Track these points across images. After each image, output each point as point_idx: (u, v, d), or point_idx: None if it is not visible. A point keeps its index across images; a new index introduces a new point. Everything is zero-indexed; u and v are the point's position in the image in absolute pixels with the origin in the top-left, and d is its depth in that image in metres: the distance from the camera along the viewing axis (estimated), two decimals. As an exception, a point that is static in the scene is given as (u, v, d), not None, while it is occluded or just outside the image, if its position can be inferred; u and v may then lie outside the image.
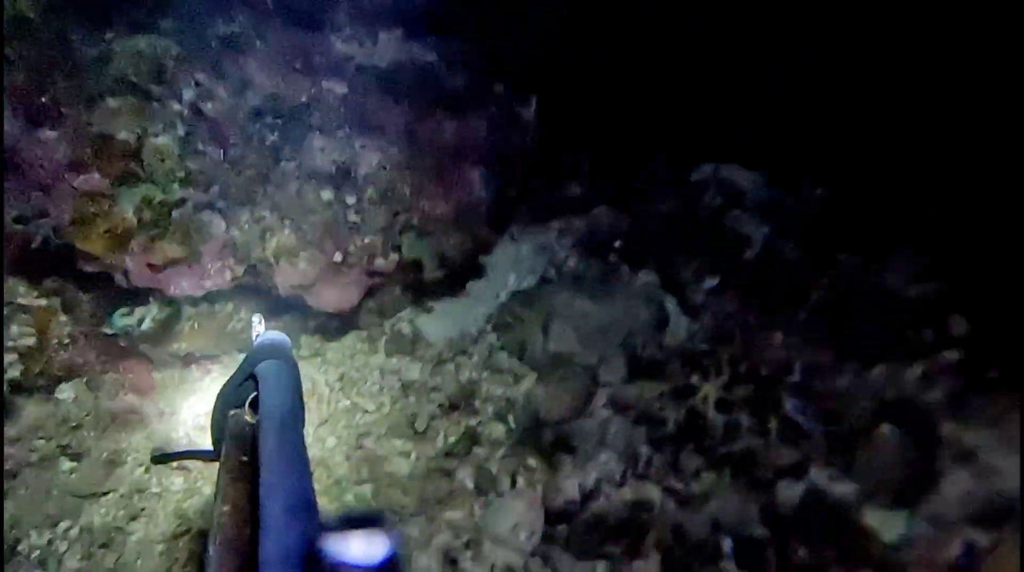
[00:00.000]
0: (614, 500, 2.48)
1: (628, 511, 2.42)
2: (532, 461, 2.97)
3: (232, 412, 1.69)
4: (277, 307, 3.97)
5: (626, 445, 2.85)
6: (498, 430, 3.38)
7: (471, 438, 3.30)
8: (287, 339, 2.28)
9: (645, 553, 2.30)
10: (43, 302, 3.11)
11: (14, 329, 2.58)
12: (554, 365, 3.56)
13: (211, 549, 1.20)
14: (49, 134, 3.23)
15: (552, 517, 2.57)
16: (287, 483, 1.25)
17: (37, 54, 3.28)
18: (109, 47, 3.43)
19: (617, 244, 4.30)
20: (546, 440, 3.10)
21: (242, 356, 4.11)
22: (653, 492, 2.47)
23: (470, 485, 2.95)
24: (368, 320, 4.25)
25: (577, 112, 4.83)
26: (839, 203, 3.48)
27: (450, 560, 2.07)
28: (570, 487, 2.64)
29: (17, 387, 3.32)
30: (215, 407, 1.82)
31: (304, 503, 1.20)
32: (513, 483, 2.94)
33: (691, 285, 3.52)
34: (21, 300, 2.79)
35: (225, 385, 1.88)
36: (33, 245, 3.19)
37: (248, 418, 1.65)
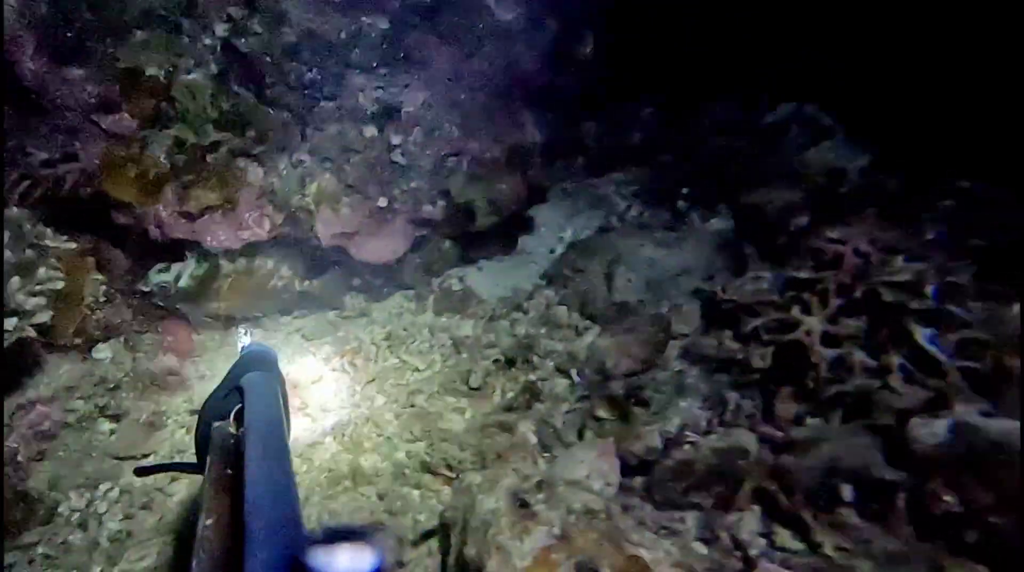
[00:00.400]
0: (700, 448, 2.14)
1: (718, 459, 2.08)
2: (601, 413, 2.65)
3: (216, 424, 1.67)
4: (318, 264, 3.73)
5: (709, 392, 2.51)
6: (560, 385, 3.07)
7: (531, 393, 2.99)
8: (273, 351, 2.28)
9: (741, 503, 1.95)
10: (72, 246, 2.91)
11: (41, 272, 2.37)
12: (620, 316, 3.22)
13: (195, 563, 1.18)
14: (75, 72, 3.02)
15: (630, 467, 2.24)
16: (271, 497, 1.23)
17: (60, -12, 3.08)
18: (136, -20, 3.20)
19: (685, 191, 3.92)
20: (615, 392, 2.77)
21: (283, 318, 3.92)
22: (746, 439, 2.12)
23: (532, 439, 2.65)
24: (415, 278, 3.98)
25: (637, 53, 4.46)
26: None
27: (520, 503, 1.77)
28: (649, 435, 2.31)
29: (51, 344, 3.14)
30: (199, 419, 1.82)
31: (288, 517, 1.19)
32: (580, 436, 2.63)
33: (775, 227, 3.13)
34: (49, 242, 2.57)
35: (210, 397, 1.87)
36: (62, 192, 2.99)
37: (232, 430, 1.65)
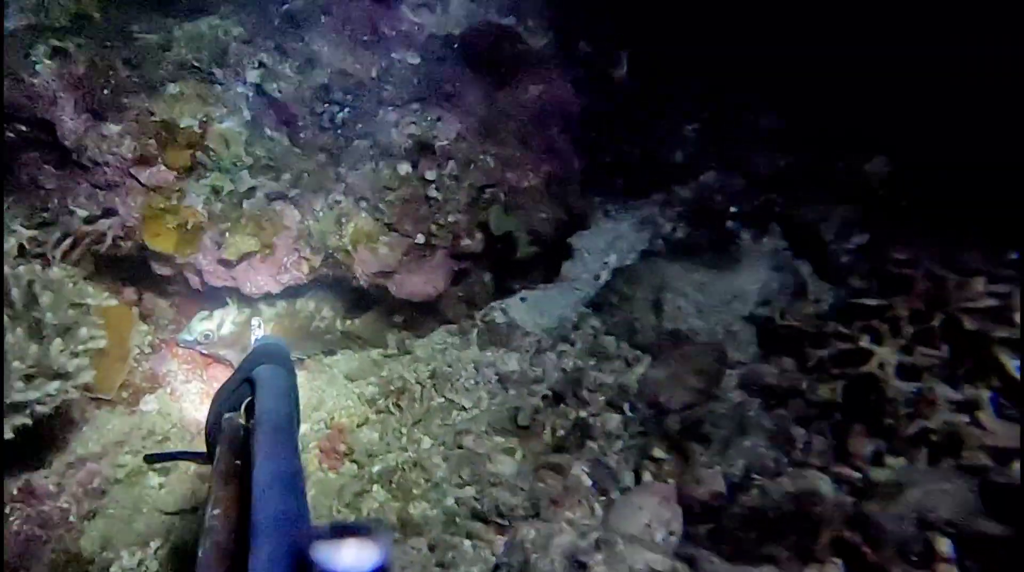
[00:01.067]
0: (770, 492, 1.99)
1: (790, 504, 1.92)
2: (658, 452, 2.51)
3: (227, 415, 1.68)
4: (359, 302, 3.68)
5: (774, 428, 2.35)
6: (613, 421, 2.93)
7: (582, 431, 2.87)
8: (285, 344, 2.26)
9: (821, 555, 1.79)
10: (114, 302, 2.90)
11: (83, 332, 2.35)
12: (672, 345, 3.08)
13: (201, 553, 1.18)
14: (113, 128, 3.05)
15: (694, 514, 2.10)
16: (278, 490, 1.21)
17: (98, 46, 3.12)
18: (170, 33, 3.23)
19: (733, 209, 3.77)
20: (671, 428, 2.63)
21: (326, 358, 3.87)
22: (819, 482, 1.96)
23: (587, 481, 2.52)
24: (457, 311, 3.89)
25: (674, 69, 4.35)
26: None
27: (578, 564, 1.64)
28: (712, 478, 2.16)
29: (98, 399, 3.14)
30: (210, 409, 1.83)
31: (294, 510, 1.17)
32: (638, 477, 2.49)
33: (833, 243, 2.97)
34: (91, 301, 2.56)
35: (221, 388, 1.88)
36: (103, 248, 3.00)
37: (243, 422, 1.65)
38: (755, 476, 2.09)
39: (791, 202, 3.45)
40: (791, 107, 4.20)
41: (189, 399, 3.56)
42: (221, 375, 3.72)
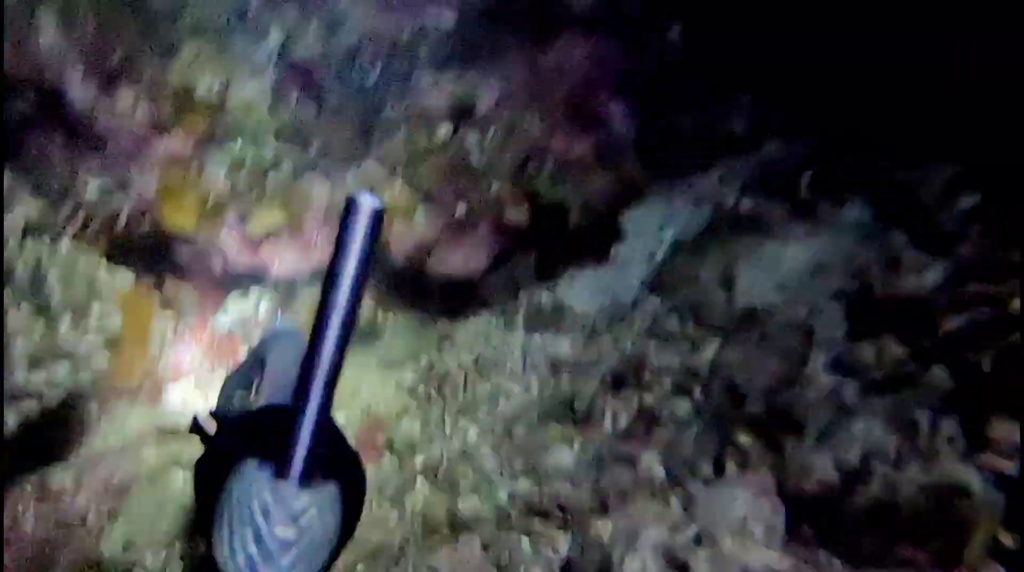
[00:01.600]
0: (899, 484, 1.66)
1: (927, 499, 1.59)
2: (743, 438, 2.18)
3: (238, 392, 1.70)
4: (395, 283, 3.40)
5: (887, 412, 2.01)
6: (682, 406, 2.61)
7: (649, 418, 2.55)
8: (298, 327, 2.20)
9: (973, 560, 1.46)
10: (131, 282, 2.65)
11: (95, 308, 2.09)
12: (746, 324, 2.75)
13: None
14: (126, 95, 2.80)
15: (800, 508, 1.78)
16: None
17: (107, 8, 2.87)
18: (187, -7, 2.98)
19: (806, 178, 3.41)
20: (754, 414, 2.30)
21: (362, 345, 3.61)
22: (963, 472, 1.63)
23: (660, 473, 2.21)
24: (500, 294, 3.60)
25: (732, 30, 3.99)
26: None
27: (675, 563, 1.34)
28: (821, 467, 1.83)
29: (117, 390, 2.90)
30: (222, 388, 1.86)
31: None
32: (719, 468, 2.16)
33: (935, 208, 2.62)
34: (104, 278, 2.31)
35: (233, 369, 1.94)
36: (118, 226, 2.75)
37: (252, 400, 1.64)
38: (877, 465, 1.76)
39: (877, 164, 3.09)
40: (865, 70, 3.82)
41: (215, 389, 3.31)
42: (249, 365, 3.48)
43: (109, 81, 2.80)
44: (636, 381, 2.78)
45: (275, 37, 2.97)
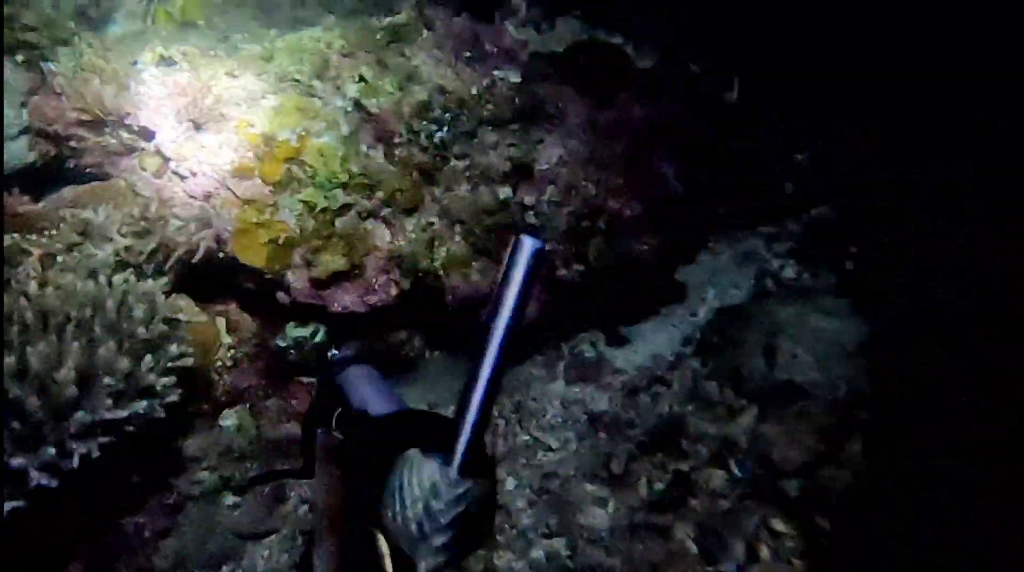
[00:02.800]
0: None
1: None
2: (779, 524, 2.23)
3: (320, 430, 1.72)
4: (446, 327, 3.53)
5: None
6: (717, 477, 2.67)
7: (684, 486, 2.62)
8: (361, 350, 2.34)
9: None
10: (204, 319, 2.84)
11: (173, 349, 2.26)
12: (785, 397, 2.80)
13: (316, 560, 1.25)
14: (211, 138, 3.00)
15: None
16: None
17: (202, 54, 3.09)
18: (272, 44, 3.18)
19: (853, 250, 3.45)
20: (790, 494, 2.36)
21: (406, 385, 3.75)
22: None
23: (693, 548, 2.28)
24: (544, 341, 3.71)
25: (790, 93, 4.06)
26: None
27: None
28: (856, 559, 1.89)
29: (178, 410, 3.07)
30: (303, 428, 1.95)
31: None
32: (752, 552, 2.22)
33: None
34: (182, 316, 2.48)
35: (310, 406, 1.95)
36: (195, 259, 2.94)
37: (335, 433, 1.71)
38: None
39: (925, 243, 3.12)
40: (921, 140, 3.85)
41: (268, 416, 3.47)
42: (299, 392, 3.63)
43: (197, 125, 3.00)
44: (673, 446, 2.85)
45: (352, 89, 3.13)
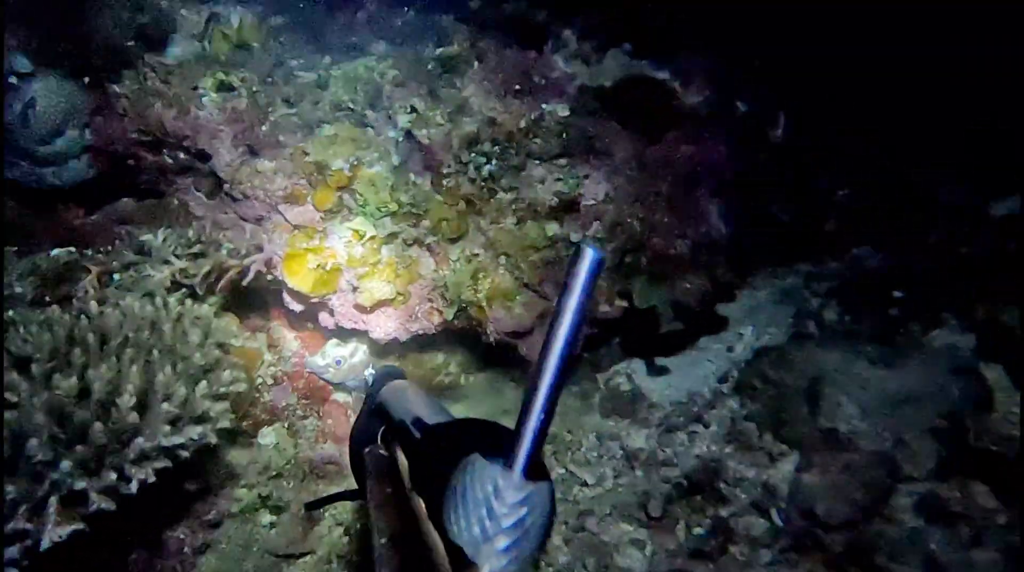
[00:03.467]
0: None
1: None
2: (823, 580, 2.22)
3: (367, 449, 1.71)
4: (485, 357, 3.56)
5: (966, 566, 2.03)
6: (757, 526, 2.65)
7: (724, 533, 2.60)
8: (398, 368, 2.29)
9: None
10: (254, 345, 2.89)
11: (226, 375, 2.30)
12: (829, 447, 2.78)
13: None
14: (266, 164, 3.06)
15: None
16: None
17: (260, 81, 3.16)
18: (327, 71, 3.25)
19: (898, 294, 3.42)
20: (833, 549, 2.34)
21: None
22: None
23: (734, 601, 2.26)
24: (580, 373, 3.71)
25: (835, 132, 4.05)
26: None
27: None
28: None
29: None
30: (350, 449, 1.90)
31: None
32: (795, 607, 2.21)
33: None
34: (234, 341, 2.53)
35: (353, 427, 1.95)
36: (246, 281, 2.99)
37: (382, 451, 1.69)
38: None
39: (975, 294, 3.08)
40: (970, 178, 3.81)
41: (305, 435, 3.51)
42: (334, 412, 3.67)
43: (253, 151, 3.06)
44: (712, 490, 2.83)
45: (404, 119, 3.18)
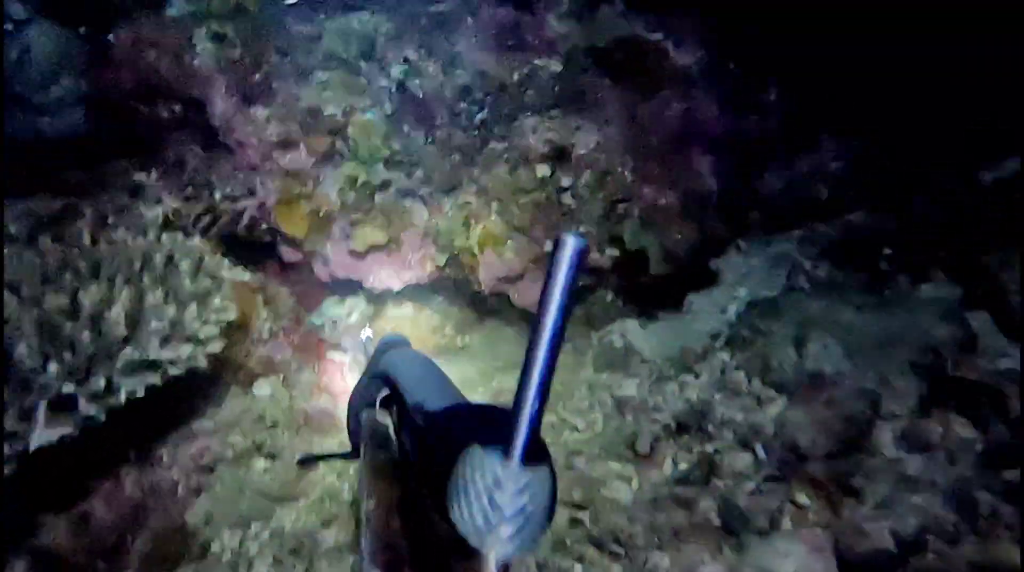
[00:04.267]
0: (951, 560, 1.70)
1: (979, 582, 1.64)
2: (802, 497, 2.24)
3: (364, 413, 1.76)
4: (478, 310, 3.59)
5: (948, 490, 2.05)
6: (742, 460, 2.67)
7: (708, 466, 2.62)
8: (403, 336, 2.34)
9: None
10: (246, 278, 2.92)
11: (216, 301, 2.34)
12: (814, 387, 2.79)
13: (363, 544, 1.28)
14: (260, 112, 3.10)
15: (848, 568, 1.83)
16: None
17: (252, 33, 3.20)
18: (322, 25, 3.28)
19: (887, 251, 3.44)
20: (815, 475, 2.35)
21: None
22: (1015, 555, 1.66)
23: (715, 520, 2.28)
24: (574, 330, 3.73)
25: (829, 97, 4.07)
26: None
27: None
28: (876, 533, 1.89)
29: (216, 377, 3.16)
30: (348, 411, 1.94)
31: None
32: (774, 523, 2.23)
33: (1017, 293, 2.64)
34: (225, 274, 2.57)
35: (354, 389, 1.98)
36: (238, 228, 3.03)
37: (379, 417, 1.72)
38: (931, 538, 1.80)
39: (963, 249, 3.10)
40: (960, 145, 3.83)
41: (300, 388, 3.54)
42: (330, 368, 3.71)
43: (247, 99, 3.10)
44: (699, 429, 2.85)
45: (397, 70, 3.22)
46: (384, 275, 3.21)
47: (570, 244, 0.84)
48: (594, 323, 3.76)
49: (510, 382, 3.55)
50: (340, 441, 3.41)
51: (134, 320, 2.09)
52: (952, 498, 1.98)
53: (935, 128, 4.05)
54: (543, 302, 0.86)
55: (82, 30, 3.17)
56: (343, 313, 3.58)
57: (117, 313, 2.01)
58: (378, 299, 3.40)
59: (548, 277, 0.85)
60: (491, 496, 0.92)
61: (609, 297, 3.70)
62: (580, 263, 0.85)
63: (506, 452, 0.90)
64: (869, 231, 3.95)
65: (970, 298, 3.00)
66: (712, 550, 2.01)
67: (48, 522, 2.50)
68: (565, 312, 0.86)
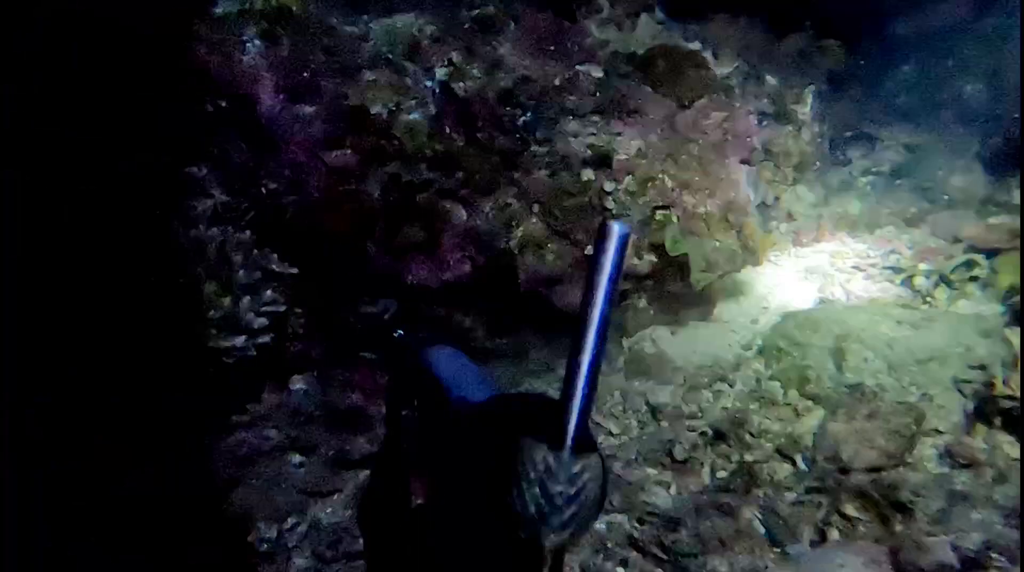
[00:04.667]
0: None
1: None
2: (851, 510, 2.23)
3: (404, 412, 1.78)
4: (513, 311, 3.59)
5: (1008, 508, 2.03)
6: (782, 470, 2.68)
7: (749, 475, 2.62)
8: (440, 334, 2.40)
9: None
10: (293, 272, 2.95)
11: (267, 294, 2.37)
12: (854, 400, 2.79)
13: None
14: (307, 109, 3.13)
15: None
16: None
17: (299, 32, 3.23)
18: (367, 26, 3.32)
19: (923, 267, 3.44)
20: (862, 488, 2.35)
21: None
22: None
23: (759, 528, 2.28)
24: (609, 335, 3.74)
25: (860, 107, 4.09)
26: None
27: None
28: (937, 547, 1.88)
29: (257, 372, 3.17)
30: (388, 408, 2.01)
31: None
32: (821, 534, 2.22)
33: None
34: (275, 267, 2.59)
35: (390, 385, 2.10)
36: (283, 221, 3.06)
37: (418, 414, 1.76)
38: (995, 556, 1.80)
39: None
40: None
41: (334, 385, 3.55)
42: (364, 365, 3.71)
43: (294, 96, 3.13)
44: (737, 438, 2.86)
45: (441, 72, 3.25)
46: (424, 274, 3.23)
47: (615, 231, 0.85)
48: (626, 330, 3.78)
49: (542, 386, 3.56)
50: (369, 438, 3.42)
51: (197, 310, 2.11)
52: (1012, 515, 1.97)
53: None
54: (589, 289, 0.87)
55: (134, 24, 3.20)
56: (377, 311, 3.59)
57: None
58: (415, 298, 3.40)
59: (594, 264, 0.86)
60: (543, 486, 0.92)
61: (642, 304, 3.71)
62: (624, 249, 0.86)
63: (557, 441, 0.90)
64: (899, 245, 3.95)
65: (1010, 316, 3.00)
66: (765, 558, 2.01)
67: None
68: (611, 298, 0.87)
